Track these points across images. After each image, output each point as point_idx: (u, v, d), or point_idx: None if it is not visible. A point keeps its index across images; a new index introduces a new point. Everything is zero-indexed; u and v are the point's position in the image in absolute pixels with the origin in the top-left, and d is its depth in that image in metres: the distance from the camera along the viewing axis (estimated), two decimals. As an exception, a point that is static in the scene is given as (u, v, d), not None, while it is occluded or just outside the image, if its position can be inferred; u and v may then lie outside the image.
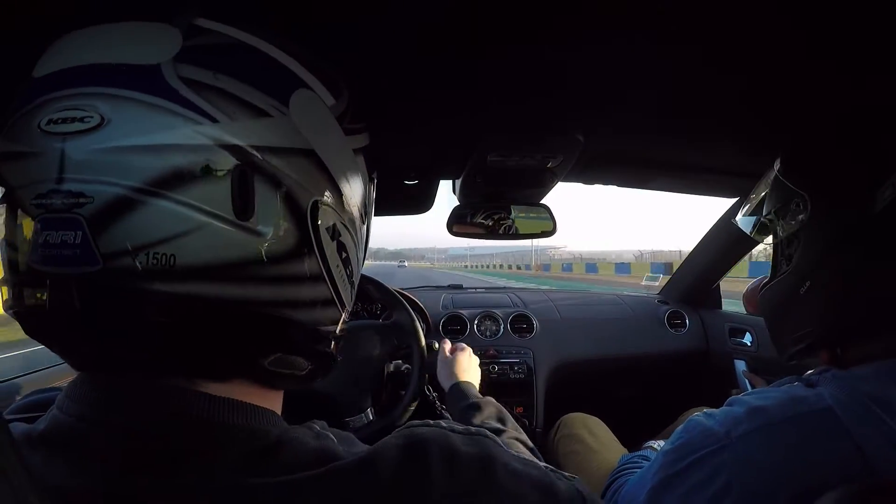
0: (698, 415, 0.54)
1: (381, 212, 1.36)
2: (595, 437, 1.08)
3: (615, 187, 1.21)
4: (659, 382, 1.65)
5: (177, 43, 0.27)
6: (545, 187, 1.07)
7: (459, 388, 0.79)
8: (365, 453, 0.30)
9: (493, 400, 0.72)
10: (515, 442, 0.58)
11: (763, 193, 0.59)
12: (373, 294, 1.03)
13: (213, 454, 0.27)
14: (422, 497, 0.28)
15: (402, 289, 1.59)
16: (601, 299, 1.82)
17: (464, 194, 1.12)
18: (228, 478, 0.26)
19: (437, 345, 1.00)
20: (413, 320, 0.98)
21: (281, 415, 0.36)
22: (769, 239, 0.59)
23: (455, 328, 1.46)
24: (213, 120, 0.26)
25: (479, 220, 1.17)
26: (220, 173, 0.26)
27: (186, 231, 0.25)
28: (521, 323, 1.49)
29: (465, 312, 1.49)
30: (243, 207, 0.27)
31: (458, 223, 1.18)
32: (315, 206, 0.31)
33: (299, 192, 0.30)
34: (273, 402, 0.35)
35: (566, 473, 0.42)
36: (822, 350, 0.53)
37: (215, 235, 0.26)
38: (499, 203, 1.16)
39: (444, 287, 1.91)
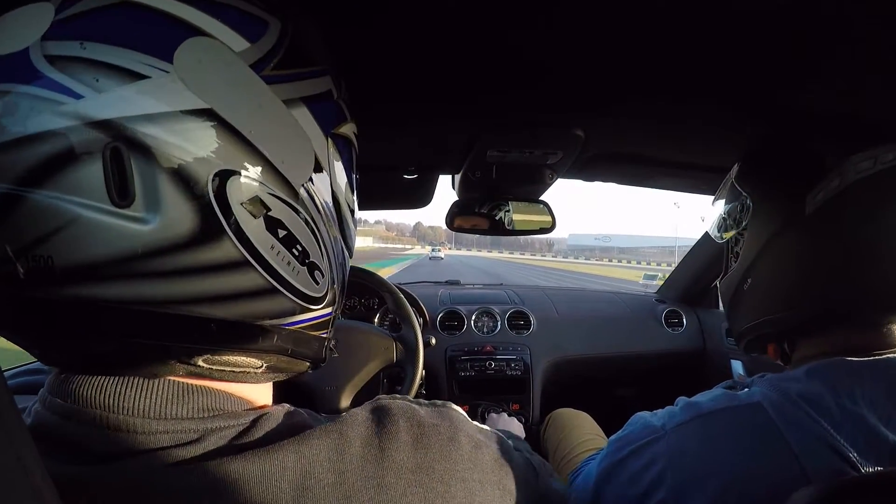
0: (644, 412, 0.57)
1: (378, 206, 1.36)
2: (581, 430, 1.08)
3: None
4: (655, 381, 1.66)
5: (48, 19, 0.24)
6: (544, 184, 1.06)
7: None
8: (335, 419, 0.31)
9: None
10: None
11: (723, 196, 0.62)
12: (389, 305, 1.02)
13: (193, 443, 0.27)
14: (388, 460, 0.30)
15: (402, 283, 1.59)
16: (599, 297, 1.82)
17: (463, 189, 1.12)
18: (211, 459, 0.27)
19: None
20: (418, 340, 0.96)
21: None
22: (723, 237, 0.62)
23: (452, 324, 1.45)
24: (77, 96, 0.23)
25: (478, 216, 1.17)
26: (88, 156, 0.23)
27: (58, 227, 0.23)
28: (518, 320, 1.49)
29: (462, 308, 1.49)
30: (120, 192, 0.23)
31: (458, 218, 1.18)
32: (220, 179, 0.26)
33: (193, 163, 0.25)
34: (255, 390, 0.34)
35: (518, 443, 0.45)
36: (769, 343, 0.56)
37: (90, 228, 0.23)
38: (498, 198, 1.15)
39: (441, 282, 1.92)
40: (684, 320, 1.59)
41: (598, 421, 1.16)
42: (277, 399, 0.37)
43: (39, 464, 0.20)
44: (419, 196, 1.22)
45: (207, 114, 0.25)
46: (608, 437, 1.12)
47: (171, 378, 0.28)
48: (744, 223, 0.55)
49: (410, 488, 0.29)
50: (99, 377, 0.27)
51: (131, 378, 0.27)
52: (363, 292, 1.42)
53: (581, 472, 0.64)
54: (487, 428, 0.39)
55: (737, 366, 1.43)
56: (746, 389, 0.49)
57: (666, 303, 1.67)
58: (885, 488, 0.34)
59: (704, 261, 1.56)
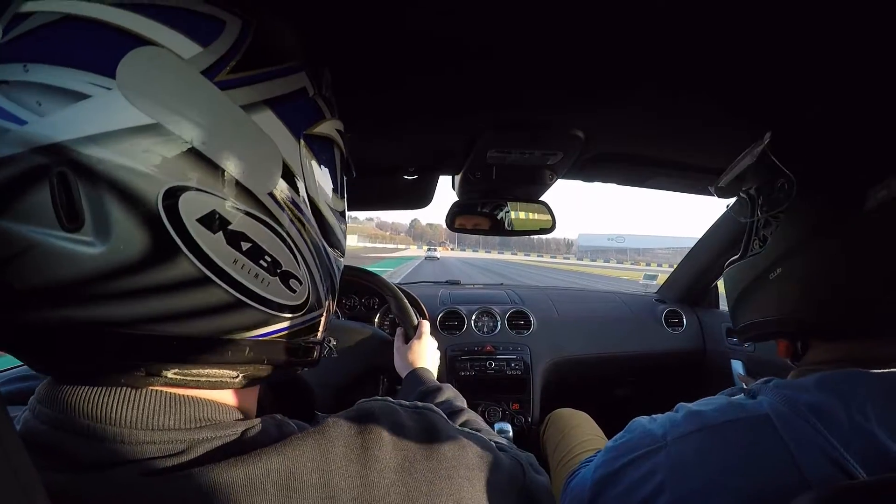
0: (643, 417, 0.55)
1: (378, 206, 1.36)
2: (580, 430, 1.09)
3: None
4: (655, 382, 1.66)
5: None
6: (544, 184, 1.06)
7: (416, 375, 0.77)
8: (319, 424, 0.32)
9: (450, 385, 0.73)
10: (477, 421, 0.61)
11: (747, 164, 0.53)
12: (390, 305, 1.02)
13: (180, 454, 0.27)
14: (372, 458, 0.30)
15: (402, 283, 1.59)
16: (599, 297, 1.82)
17: (463, 190, 1.12)
18: (198, 467, 0.27)
19: None
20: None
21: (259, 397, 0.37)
22: (745, 215, 0.56)
23: (452, 324, 1.46)
24: (20, 122, 0.23)
25: (479, 216, 1.18)
26: (36, 182, 0.23)
27: (15, 254, 0.23)
28: (518, 319, 1.49)
29: (462, 308, 1.49)
30: (69, 217, 0.23)
31: (458, 218, 1.18)
32: (171, 195, 0.25)
33: (140, 182, 0.24)
34: (241, 395, 0.34)
35: (504, 443, 0.47)
36: (780, 339, 0.53)
37: (45, 254, 0.23)
38: (497, 198, 1.15)
39: (441, 283, 1.92)
40: (684, 320, 1.59)
41: (597, 421, 1.17)
42: (275, 397, 0.37)
43: (31, 469, 0.20)
44: (419, 197, 1.22)
45: (154, 129, 0.24)
46: (607, 438, 1.12)
47: (156, 388, 0.28)
48: (782, 205, 0.48)
49: (394, 487, 0.30)
50: (86, 387, 0.27)
51: (118, 388, 0.28)
52: (363, 292, 1.42)
53: (577, 475, 0.63)
54: (468, 430, 0.40)
55: (737, 366, 1.43)
56: (753, 399, 0.46)
57: (666, 303, 1.67)
58: (884, 494, 0.33)
59: (705, 261, 1.56)
